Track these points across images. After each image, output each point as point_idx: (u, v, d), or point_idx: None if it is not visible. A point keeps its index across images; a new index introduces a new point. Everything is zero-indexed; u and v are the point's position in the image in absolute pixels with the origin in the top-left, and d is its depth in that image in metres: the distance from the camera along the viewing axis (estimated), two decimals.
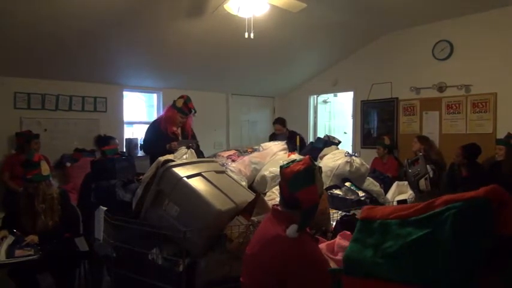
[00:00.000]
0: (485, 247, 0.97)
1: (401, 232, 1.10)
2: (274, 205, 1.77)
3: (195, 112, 4.10)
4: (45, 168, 3.05)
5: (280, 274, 1.54)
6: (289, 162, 1.69)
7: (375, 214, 1.20)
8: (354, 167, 3.10)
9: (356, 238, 1.21)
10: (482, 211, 0.99)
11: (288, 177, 1.63)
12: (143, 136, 4.33)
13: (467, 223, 1.00)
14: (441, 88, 5.44)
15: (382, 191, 3.24)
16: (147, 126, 4.33)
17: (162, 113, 4.53)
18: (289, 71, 6.77)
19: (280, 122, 5.82)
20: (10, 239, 2.86)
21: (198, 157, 3.25)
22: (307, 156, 1.72)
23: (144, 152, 4.26)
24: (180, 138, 3.95)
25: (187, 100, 3.97)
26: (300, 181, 1.60)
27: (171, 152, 3.37)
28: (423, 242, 1.05)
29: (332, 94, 7.35)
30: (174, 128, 3.97)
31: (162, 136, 3.87)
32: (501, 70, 4.89)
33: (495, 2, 4.73)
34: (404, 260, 1.07)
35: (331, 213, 2.45)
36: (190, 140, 3.91)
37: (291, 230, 1.55)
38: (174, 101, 4.03)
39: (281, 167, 1.70)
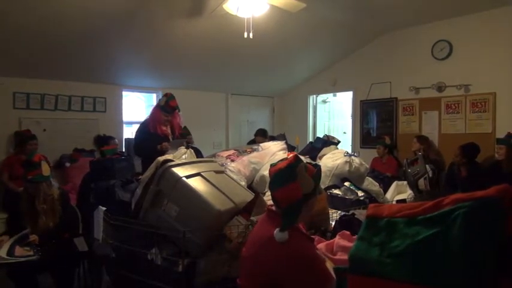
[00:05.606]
0: (496, 247, 0.95)
1: (409, 231, 1.08)
2: (269, 205, 1.76)
3: (179, 110, 4.00)
4: (45, 169, 3.03)
5: (275, 276, 1.52)
6: (278, 161, 1.67)
7: (382, 212, 1.17)
8: (353, 166, 3.11)
9: (362, 236, 1.18)
10: (493, 210, 0.96)
11: (270, 176, 1.63)
12: (134, 138, 4.22)
13: (477, 222, 0.97)
14: (440, 88, 5.44)
15: (382, 190, 3.25)
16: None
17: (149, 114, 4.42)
18: (289, 71, 6.77)
19: (261, 133, 5.71)
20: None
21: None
22: (292, 154, 1.69)
23: (136, 153, 4.12)
24: (170, 137, 3.88)
25: (169, 98, 3.87)
26: (278, 180, 1.58)
27: (163, 152, 3.34)
28: (431, 241, 1.02)
29: (331, 94, 7.35)
30: (164, 128, 3.88)
31: (152, 137, 3.78)
32: (500, 70, 4.89)
33: (494, 1, 4.72)
34: (411, 260, 1.05)
35: (330, 213, 2.45)
36: (181, 139, 3.83)
37: (276, 234, 1.52)
38: (159, 100, 3.99)
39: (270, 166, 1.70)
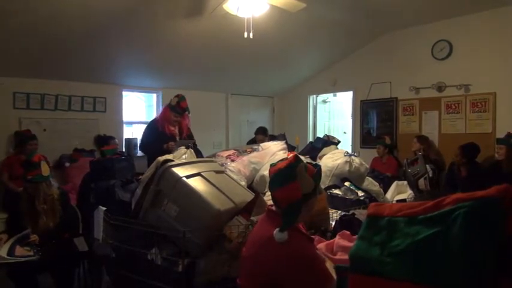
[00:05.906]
0: (496, 247, 0.95)
1: (410, 230, 1.08)
2: (269, 205, 1.76)
3: (189, 112, 4.04)
4: (45, 169, 3.02)
5: (275, 276, 1.52)
6: (278, 161, 1.67)
7: (383, 211, 1.17)
8: (353, 166, 3.11)
9: (363, 235, 1.18)
10: (493, 210, 0.96)
11: (270, 176, 1.64)
12: (141, 136, 4.31)
13: (477, 222, 0.97)
14: (440, 88, 5.44)
15: (382, 190, 3.25)
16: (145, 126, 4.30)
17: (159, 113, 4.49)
18: (289, 71, 6.77)
19: (261, 132, 5.74)
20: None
21: (196, 156, 3.24)
22: (292, 154, 1.69)
23: (142, 152, 4.23)
24: (178, 137, 3.92)
25: (180, 99, 3.91)
26: (278, 180, 1.59)
27: (169, 151, 3.35)
28: (432, 241, 1.02)
29: (331, 94, 7.35)
30: (172, 128, 3.93)
31: (160, 136, 3.83)
32: (500, 70, 4.89)
33: (494, 1, 4.73)
34: (412, 259, 1.05)
35: (331, 213, 2.45)
36: (187, 140, 3.86)
37: (276, 234, 1.52)
38: (170, 100, 4.03)
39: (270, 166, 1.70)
